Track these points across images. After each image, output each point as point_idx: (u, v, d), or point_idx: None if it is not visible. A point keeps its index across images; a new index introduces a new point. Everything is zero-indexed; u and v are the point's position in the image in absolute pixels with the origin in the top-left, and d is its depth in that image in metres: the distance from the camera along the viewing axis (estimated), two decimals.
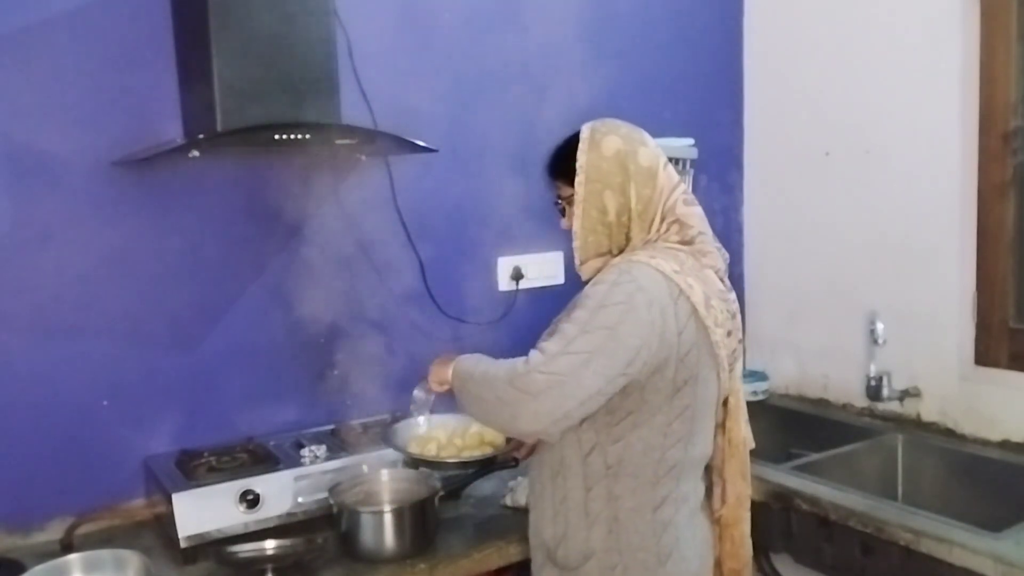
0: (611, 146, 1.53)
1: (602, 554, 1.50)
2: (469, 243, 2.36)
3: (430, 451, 1.78)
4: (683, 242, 1.53)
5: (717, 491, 1.65)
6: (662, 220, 1.54)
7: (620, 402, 1.46)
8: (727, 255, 1.61)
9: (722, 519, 1.66)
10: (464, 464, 1.77)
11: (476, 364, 1.52)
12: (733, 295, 1.59)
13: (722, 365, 1.53)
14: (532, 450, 1.69)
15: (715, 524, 1.66)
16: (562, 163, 1.57)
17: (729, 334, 1.54)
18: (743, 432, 1.64)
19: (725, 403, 1.61)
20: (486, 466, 1.85)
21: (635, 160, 1.52)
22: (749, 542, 1.69)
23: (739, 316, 1.60)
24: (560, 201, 1.61)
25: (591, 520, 1.51)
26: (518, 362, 1.42)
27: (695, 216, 1.57)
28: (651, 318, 1.40)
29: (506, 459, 1.91)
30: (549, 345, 1.41)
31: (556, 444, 1.54)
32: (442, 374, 1.59)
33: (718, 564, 1.67)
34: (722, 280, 1.56)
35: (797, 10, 2.67)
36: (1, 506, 1.83)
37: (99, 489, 1.91)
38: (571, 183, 1.54)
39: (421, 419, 1.85)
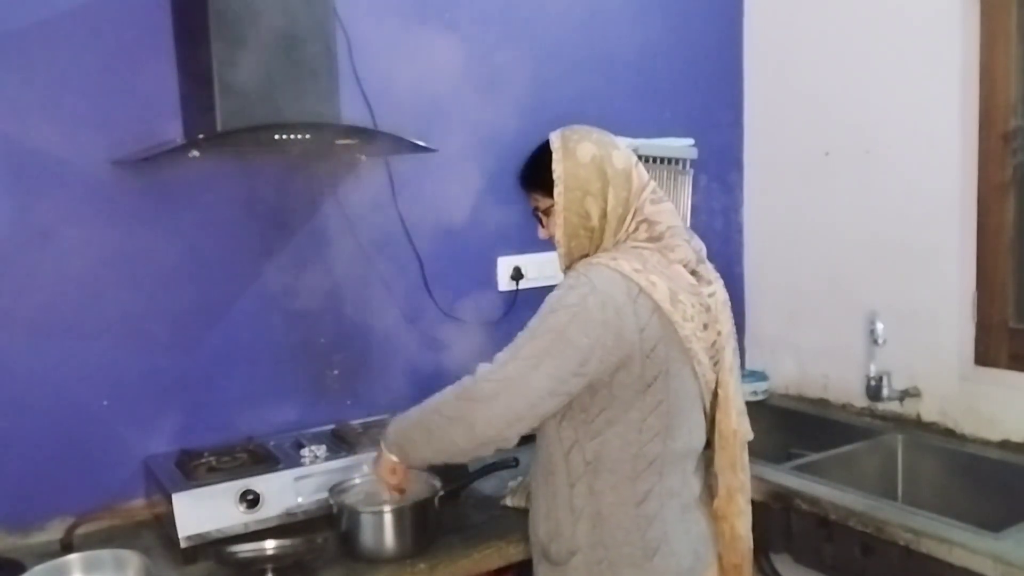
0: (586, 152, 1.53)
1: (588, 549, 1.52)
2: (469, 243, 2.36)
3: None
4: (650, 239, 1.54)
5: (713, 483, 1.65)
6: (632, 219, 1.55)
7: (591, 400, 1.49)
8: (701, 244, 1.61)
9: (716, 511, 1.65)
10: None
11: (405, 419, 1.58)
12: (712, 287, 1.57)
13: (697, 359, 1.52)
14: None
15: (714, 518, 1.65)
16: (536, 175, 1.58)
17: (705, 327, 1.53)
18: (734, 424, 1.62)
19: (715, 396, 1.60)
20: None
21: (611, 164, 1.53)
22: (747, 536, 1.67)
23: (719, 308, 1.57)
24: (537, 211, 1.61)
25: (576, 516, 1.53)
26: (464, 379, 1.48)
27: (664, 213, 1.57)
28: (604, 318, 1.42)
29: (506, 459, 1.93)
30: (499, 355, 1.47)
31: (544, 443, 1.58)
32: (382, 467, 1.63)
33: (720, 558, 1.66)
34: (694, 272, 1.55)
35: (797, 10, 2.67)
36: (1, 506, 1.83)
37: (99, 489, 1.91)
38: (548, 194, 1.55)
39: None
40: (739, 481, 1.64)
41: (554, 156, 1.54)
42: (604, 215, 1.53)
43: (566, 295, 1.46)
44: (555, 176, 1.53)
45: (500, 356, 1.47)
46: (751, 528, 1.68)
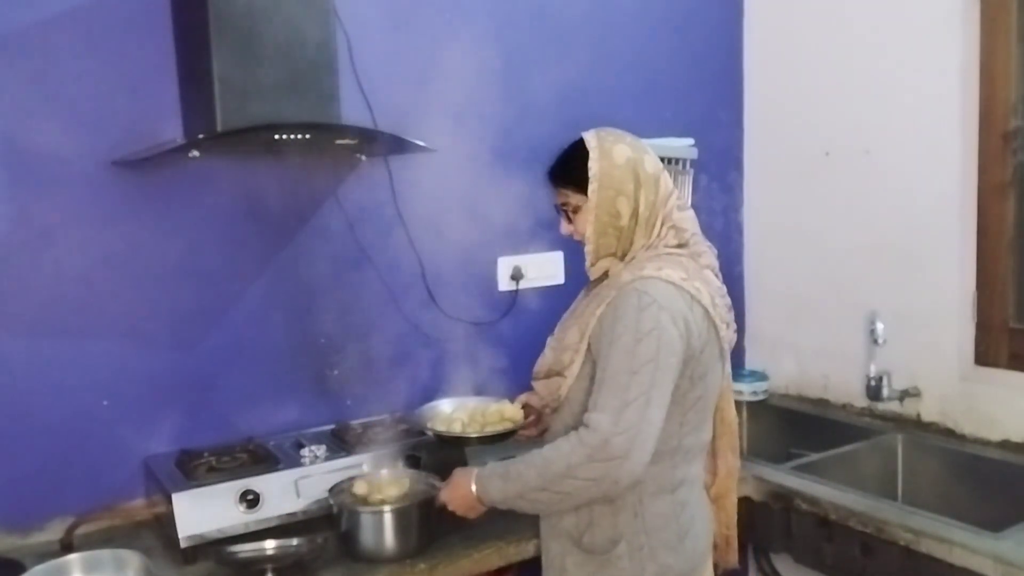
0: (622, 154, 1.57)
1: (630, 537, 1.57)
2: (469, 243, 2.35)
3: (455, 429, 1.84)
4: (679, 245, 1.60)
5: (714, 466, 1.77)
6: (662, 225, 1.60)
7: None
8: (716, 250, 1.68)
9: (715, 492, 1.78)
10: (486, 439, 1.81)
11: (512, 479, 1.54)
12: (724, 288, 1.66)
13: (726, 356, 1.63)
14: (539, 419, 1.76)
15: (712, 498, 1.76)
16: (570, 171, 1.61)
17: (728, 326, 1.62)
18: (733, 411, 1.77)
19: None
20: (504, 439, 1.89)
21: (643, 167, 1.58)
22: (735, 510, 1.83)
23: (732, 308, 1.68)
24: (565, 208, 1.64)
25: (617, 507, 1.56)
26: (582, 437, 1.45)
27: (688, 219, 1.64)
28: (679, 332, 1.48)
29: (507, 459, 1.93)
30: (606, 401, 1.46)
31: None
32: (467, 504, 1.62)
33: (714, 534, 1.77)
34: (717, 276, 1.64)
35: (797, 10, 2.67)
36: (1, 506, 1.83)
37: (99, 489, 1.91)
38: (580, 191, 1.58)
39: (444, 401, 1.99)
40: (736, 462, 1.80)
41: (591, 155, 1.57)
42: (633, 215, 1.57)
43: (640, 319, 1.47)
44: (591, 174, 1.56)
45: (608, 402, 1.45)
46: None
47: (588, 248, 1.60)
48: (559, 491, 1.48)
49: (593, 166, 1.56)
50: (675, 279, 1.51)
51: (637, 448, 1.43)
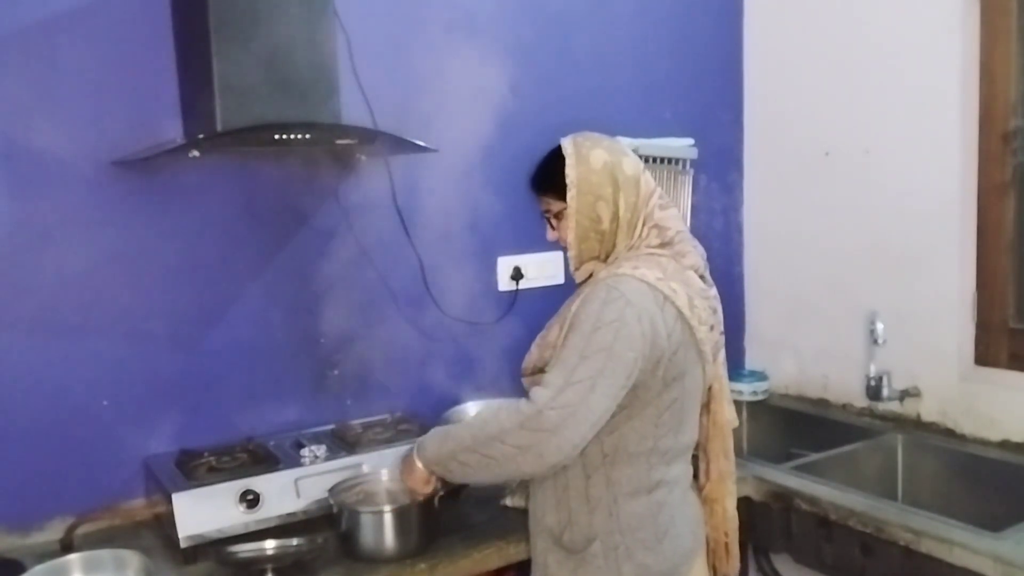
0: (598, 159, 1.58)
1: (605, 536, 1.57)
2: (469, 243, 2.36)
3: None
4: (662, 244, 1.60)
5: (702, 468, 1.76)
6: (643, 225, 1.60)
7: None
8: (703, 251, 1.67)
9: (707, 495, 1.77)
10: None
11: (449, 438, 1.55)
12: (714, 290, 1.65)
13: (706, 358, 1.60)
14: None
15: (704, 501, 1.76)
16: (549, 179, 1.62)
17: (711, 328, 1.61)
18: (727, 414, 1.75)
19: (709, 388, 1.70)
20: None
21: (621, 170, 1.58)
22: (734, 515, 1.81)
23: (720, 310, 1.66)
24: (548, 215, 1.65)
25: (592, 506, 1.57)
26: (520, 406, 1.46)
27: (671, 218, 1.64)
28: (642, 330, 1.47)
29: None
30: (552, 378, 1.46)
31: None
32: (416, 479, 1.62)
33: (708, 538, 1.77)
34: (702, 277, 1.63)
35: (797, 11, 2.67)
36: (1, 506, 1.83)
37: (99, 489, 1.91)
38: (560, 197, 1.59)
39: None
40: (729, 466, 1.78)
41: (567, 161, 1.58)
42: (614, 218, 1.58)
43: (604, 311, 1.47)
44: (568, 181, 1.57)
45: (553, 380, 1.45)
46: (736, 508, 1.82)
47: (571, 253, 1.62)
48: (486, 455, 1.47)
49: (570, 172, 1.57)
50: (649, 278, 1.51)
51: (569, 428, 1.41)
